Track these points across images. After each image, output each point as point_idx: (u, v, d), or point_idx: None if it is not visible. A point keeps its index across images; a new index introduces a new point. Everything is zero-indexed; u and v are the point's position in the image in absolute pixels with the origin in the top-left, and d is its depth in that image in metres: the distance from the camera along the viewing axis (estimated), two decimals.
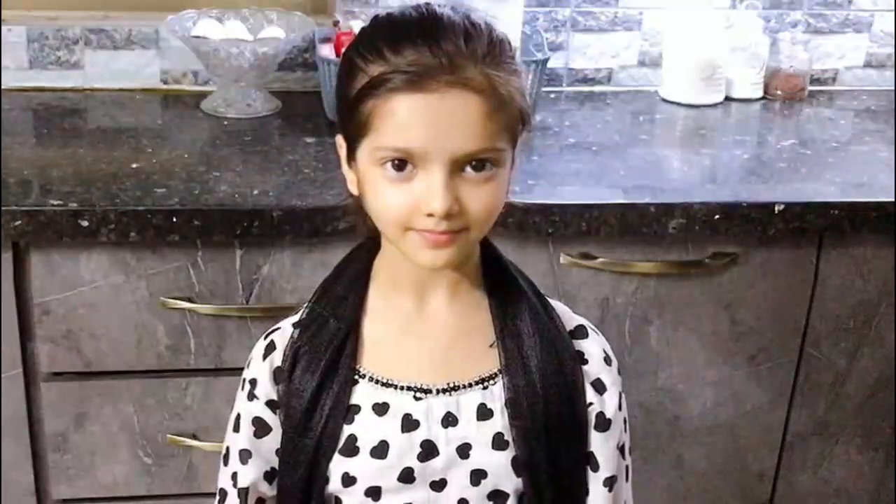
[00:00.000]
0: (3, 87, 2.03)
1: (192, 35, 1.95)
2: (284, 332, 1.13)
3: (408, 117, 0.97)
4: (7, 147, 1.79)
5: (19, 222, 1.57)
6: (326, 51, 1.96)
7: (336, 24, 2.00)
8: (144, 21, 2.08)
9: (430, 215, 0.99)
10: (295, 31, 2.01)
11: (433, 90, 0.97)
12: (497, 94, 0.99)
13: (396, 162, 0.99)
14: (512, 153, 1.03)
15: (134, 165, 1.74)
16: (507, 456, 1.08)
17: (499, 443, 1.08)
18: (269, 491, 1.14)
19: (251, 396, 1.12)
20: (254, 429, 1.12)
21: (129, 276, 1.64)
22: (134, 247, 1.62)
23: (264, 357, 1.12)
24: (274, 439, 1.12)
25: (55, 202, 1.59)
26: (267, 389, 1.11)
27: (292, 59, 2.09)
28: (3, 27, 2.02)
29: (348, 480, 1.08)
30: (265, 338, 1.14)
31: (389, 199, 1.00)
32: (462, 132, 0.98)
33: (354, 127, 1.01)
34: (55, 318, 1.64)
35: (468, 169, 0.99)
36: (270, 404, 1.11)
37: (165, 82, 2.10)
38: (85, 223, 1.57)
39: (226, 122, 1.96)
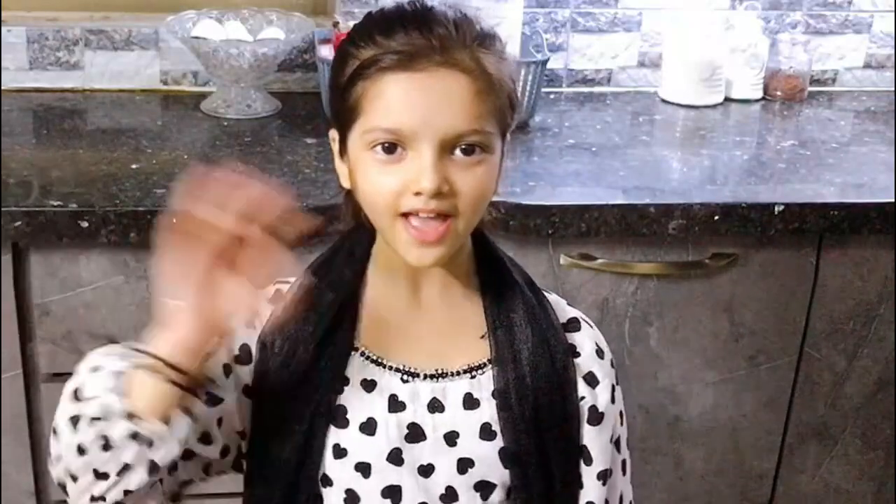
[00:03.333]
0: (3, 87, 2.03)
1: (192, 36, 1.95)
2: (288, 285, 1.09)
3: (397, 97, 0.99)
4: (7, 148, 1.79)
5: (19, 223, 1.57)
6: (326, 52, 1.96)
7: (336, 24, 2.00)
8: (144, 22, 2.08)
9: (418, 194, 0.99)
10: (295, 31, 2.01)
11: (423, 70, 0.98)
12: (486, 75, 1.00)
13: (386, 144, 1.00)
14: (502, 142, 1.04)
15: (134, 166, 1.74)
16: (494, 447, 1.08)
17: (486, 433, 1.08)
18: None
19: (249, 325, 1.07)
20: (237, 354, 1.08)
21: (128, 277, 1.64)
22: (134, 248, 1.62)
23: (268, 301, 1.08)
24: (244, 375, 1.07)
25: (55, 203, 1.59)
26: (266, 327, 1.07)
27: (292, 60, 2.09)
28: (2, 28, 2.02)
29: (339, 452, 1.07)
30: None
31: (379, 181, 1.00)
32: (451, 112, 0.99)
33: (345, 113, 1.02)
34: (55, 318, 1.64)
35: (457, 152, 1.00)
36: (262, 343, 1.07)
37: (165, 83, 2.10)
38: (85, 224, 1.57)
39: (225, 123, 1.96)
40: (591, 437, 1.13)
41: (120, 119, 1.97)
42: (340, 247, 1.13)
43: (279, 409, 1.08)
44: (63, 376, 1.67)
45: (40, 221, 1.57)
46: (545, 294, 1.15)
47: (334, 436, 1.07)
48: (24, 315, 1.64)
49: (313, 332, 1.07)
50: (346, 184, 1.08)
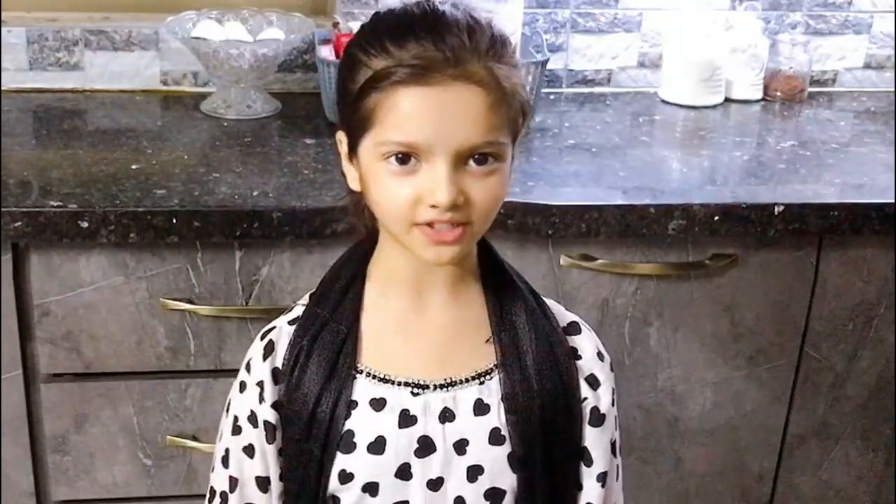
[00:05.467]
0: (3, 87, 2.03)
1: (192, 36, 1.95)
2: (282, 331, 1.12)
3: (412, 111, 0.98)
4: (7, 148, 1.79)
5: (19, 223, 1.57)
6: (326, 52, 1.96)
7: (336, 25, 2.00)
8: (144, 22, 2.08)
9: (434, 206, 0.99)
10: (294, 32, 2.01)
11: (437, 83, 0.98)
12: (500, 87, 1.00)
13: (400, 156, 0.99)
14: (512, 148, 1.04)
15: (134, 167, 1.74)
16: (503, 451, 1.08)
17: (495, 438, 1.08)
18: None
19: (261, 399, 1.11)
20: (265, 433, 1.11)
21: (128, 278, 1.64)
22: (133, 248, 1.62)
23: (264, 358, 1.12)
24: (279, 442, 1.11)
25: (55, 203, 1.59)
26: (271, 391, 1.10)
27: (292, 61, 2.09)
28: (2, 28, 2.02)
29: (345, 477, 1.08)
30: (262, 338, 1.13)
31: (393, 192, 1.00)
32: (466, 125, 0.99)
33: (357, 122, 1.02)
34: (55, 319, 1.64)
35: (471, 163, 1.00)
36: (276, 406, 1.10)
37: (165, 83, 2.10)
38: (85, 224, 1.57)
39: (225, 124, 1.96)
40: (593, 439, 1.13)
41: (120, 119, 1.97)
42: (338, 273, 1.13)
43: (295, 441, 1.09)
44: (63, 377, 1.69)
45: (40, 221, 1.57)
46: (544, 299, 1.15)
47: (340, 462, 1.08)
48: (24, 315, 1.64)
49: (319, 365, 1.08)
50: (354, 186, 1.08)
